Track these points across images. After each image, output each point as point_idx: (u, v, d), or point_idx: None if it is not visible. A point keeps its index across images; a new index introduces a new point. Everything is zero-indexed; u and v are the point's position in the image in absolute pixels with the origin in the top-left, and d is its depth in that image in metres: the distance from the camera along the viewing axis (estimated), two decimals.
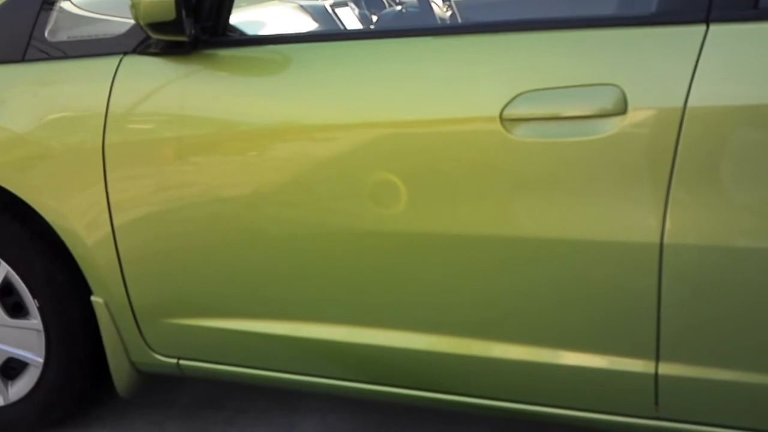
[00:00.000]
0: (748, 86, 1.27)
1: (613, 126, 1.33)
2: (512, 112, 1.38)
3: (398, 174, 1.48)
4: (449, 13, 2.74)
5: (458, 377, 1.60)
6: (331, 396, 1.98)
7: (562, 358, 1.49)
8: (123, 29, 1.69)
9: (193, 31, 1.55)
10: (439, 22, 2.72)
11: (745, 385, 1.39)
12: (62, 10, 1.77)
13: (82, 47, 1.72)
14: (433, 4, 2.68)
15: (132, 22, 1.65)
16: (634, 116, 1.32)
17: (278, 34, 1.66)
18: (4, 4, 1.80)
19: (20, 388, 1.99)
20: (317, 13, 2.36)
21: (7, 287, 1.90)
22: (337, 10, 2.42)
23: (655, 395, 1.45)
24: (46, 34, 1.76)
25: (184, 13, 1.50)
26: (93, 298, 1.81)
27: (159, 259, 1.71)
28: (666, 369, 1.42)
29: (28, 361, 1.95)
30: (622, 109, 1.32)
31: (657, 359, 1.42)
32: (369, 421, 2.04)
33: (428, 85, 1.45)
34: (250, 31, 1.79)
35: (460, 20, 2.94)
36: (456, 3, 3.02)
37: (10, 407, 2.00)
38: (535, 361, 1.51)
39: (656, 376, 1.43)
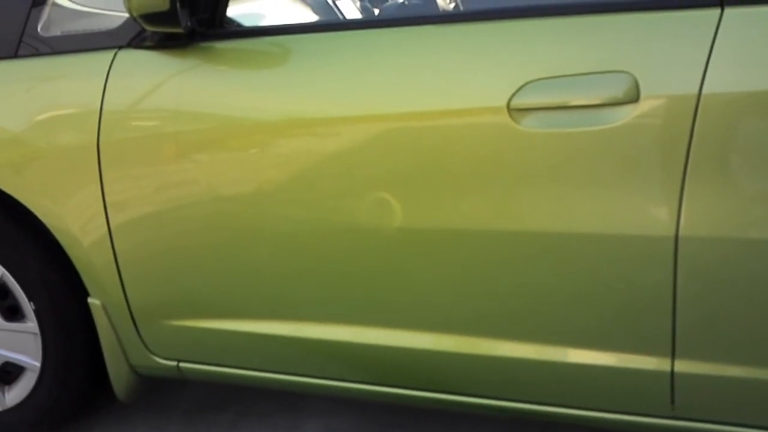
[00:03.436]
0: (766, 71, 1.23)
1: (626, 114, 1.29)
2: (520, 101, 1.34)
3: (402, 168, 1.44)
4: (453, 4, 2.70)
5: (465, 377, 1.57)
6: (334, 398, 1.95)
7: (574, 356, 1.46)
8: (118, 23, 1.66)
9: (188, 23, 1.52)
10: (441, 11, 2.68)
11: (766, 382, 1.34)
12: (55, 4, 1.75)
13: (75, 42, 1.69)
14: None
15: (127, 15, 1.62)
16: (646, 104, 1.29)
17: (277, 25, 1.63)
18: None
19: (17, 393, 1.96)
20: (317, 3, 2.32)
21: (2, 290, 1.87)
22: (337, 0, 2.38)
23: (671, 393, 1.42)
24: (39, 29, 1.73)
25: (178, 4, 1.47)
26: (90, 300, 1.79)
27: (157, 259, 1.68)
28: (682, 366, 1.39)
29: (24, 365, 1.92)
30: (634, 97, 1.29)
31: (673, 356, 1.39)
32: (373, 422, 2.02)
33: (432, 75, 1.42)
34: (248, 22, 1.75)
35: (463, 8, 2.90)
36: None
37: (6, 413, 1.98)
38: (545, 360, 1.48)
39: (672, 374, 1.40)
